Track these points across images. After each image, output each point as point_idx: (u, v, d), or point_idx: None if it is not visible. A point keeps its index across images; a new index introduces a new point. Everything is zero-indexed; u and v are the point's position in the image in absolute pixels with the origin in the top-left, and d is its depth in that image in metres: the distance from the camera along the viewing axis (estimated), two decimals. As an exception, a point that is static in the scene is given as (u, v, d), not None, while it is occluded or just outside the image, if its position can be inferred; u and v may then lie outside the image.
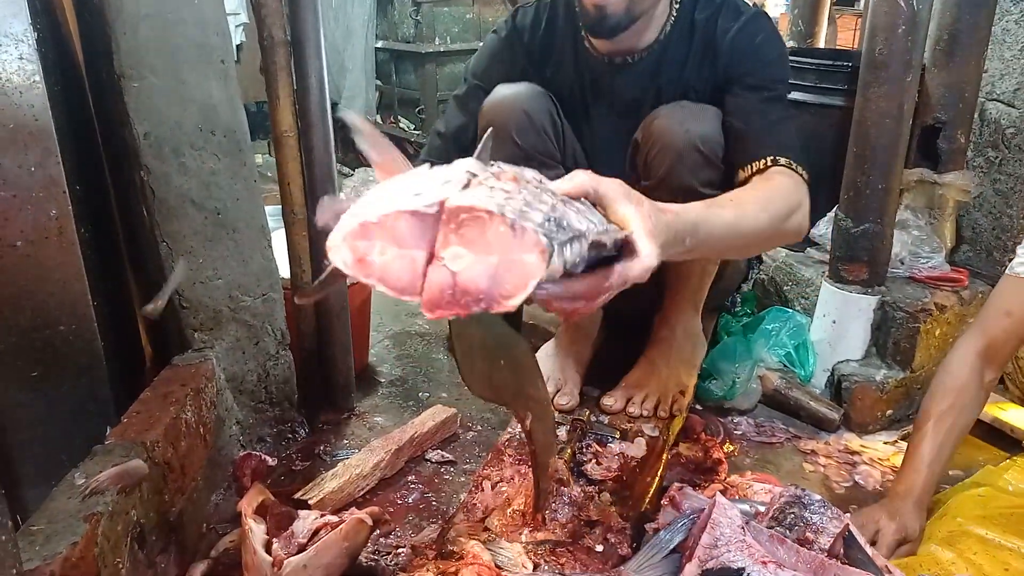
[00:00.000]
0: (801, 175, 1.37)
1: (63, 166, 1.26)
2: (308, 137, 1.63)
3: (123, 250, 1.60)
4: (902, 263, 1.93)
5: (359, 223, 0.67)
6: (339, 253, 0.69)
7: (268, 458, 1.60)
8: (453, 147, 1.63)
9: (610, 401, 1.67)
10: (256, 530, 1.22)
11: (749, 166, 1.39)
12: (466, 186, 0.70)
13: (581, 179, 0.82)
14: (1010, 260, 1.38)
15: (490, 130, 0.88)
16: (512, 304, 0.67)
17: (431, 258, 0.68)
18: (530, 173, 0.79)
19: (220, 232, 1.51)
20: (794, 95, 2.01)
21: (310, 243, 1.72)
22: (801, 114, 2.06)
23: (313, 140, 1.63)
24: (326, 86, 1.62)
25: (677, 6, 1.52)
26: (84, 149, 1.44)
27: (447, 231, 0.67)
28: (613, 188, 0.83)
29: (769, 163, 1.37)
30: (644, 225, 0.81)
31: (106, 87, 1.39)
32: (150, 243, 1.46)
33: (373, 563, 1.32)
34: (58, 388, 1.33)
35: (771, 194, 1.28)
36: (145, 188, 1.41)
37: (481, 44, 1.71)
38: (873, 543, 1.37)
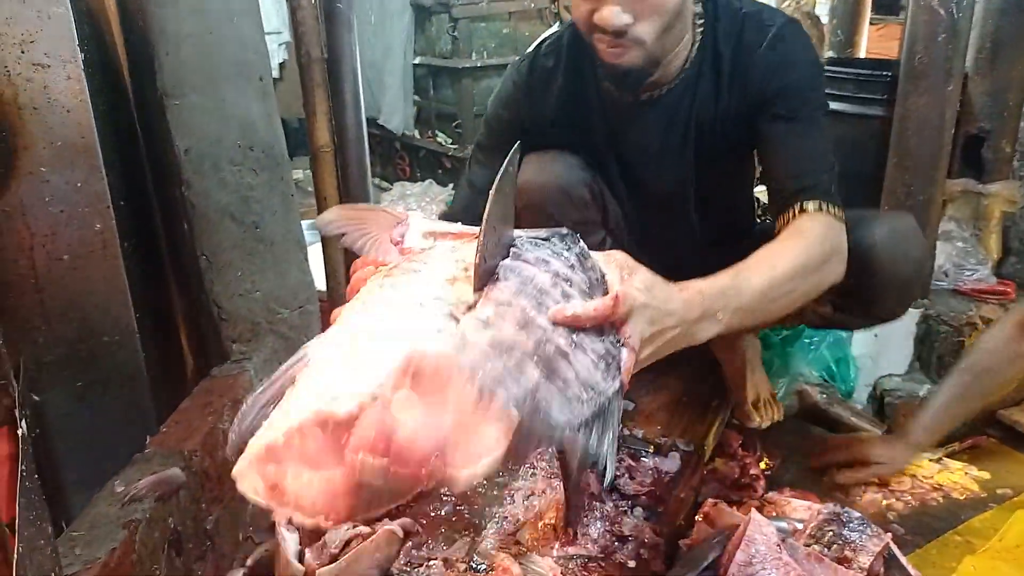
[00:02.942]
0: (833, 214, 1.28)
1: (108, 182, 1.30)
2: (344, 152, 1.67)
3: (167, 264, 1.64)
4: (946, 275, 1.89)
5: (264, 445, 0.59)
6: (247, 482, 0.60)
7: (304, 469, 1.62)
8: (482, 200, 1.59)
9: (757, 418, 1.69)
10: (289, 539, 1.23)
11: (780, 218, 1.32)
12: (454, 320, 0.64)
13: (602, 310, 0.79)
14: None
15: (513, 152, 0.84)
16: (459, 484, 0.60)
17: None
18: (548, 279, 0.76)
19: (258, 246, 1.54)
20: (833, 105, 1.98)
21: (345, 256, 1.74)
22: (840, 124, 2.03)
23: (349, 155, 1.66)
24: (361, 103, 1.65)
25: (700, 29, 1.39)
26: (129, 166, 1.48)
27: (400, 379, 0.59)
28: (625, 306, 0.82)
29: (797, 211, 1.29)
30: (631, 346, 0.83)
31: (150, 105, 1.44)
32: (190, 256, 1.49)
33: (404, 575, 1.32)
34: (102, 398, 1.37)
35: (799, 248, 1.21)
36: (185, 202, 1.45)
37: (502, 80, 1.59)
38: (861, 464, 1.56)
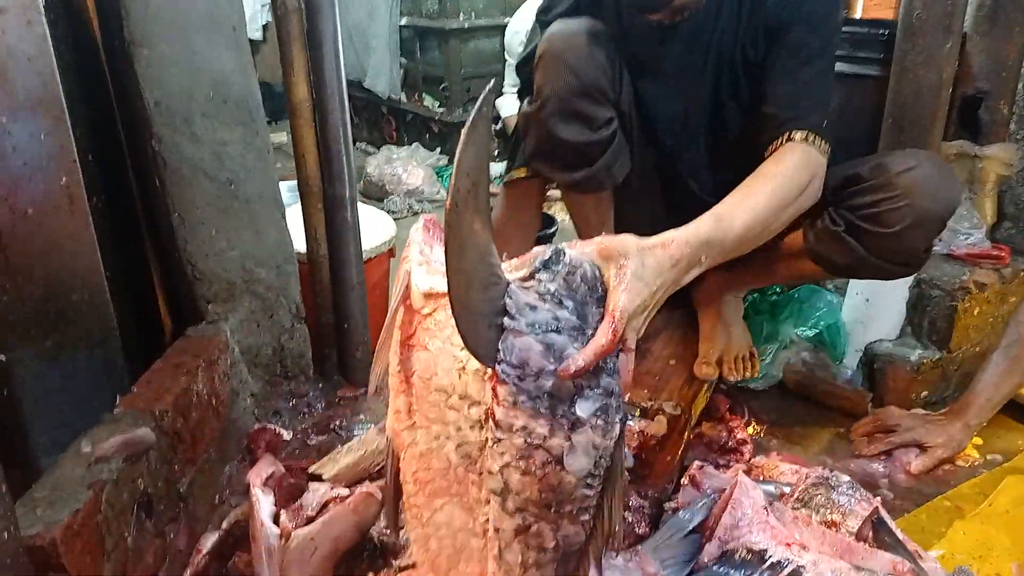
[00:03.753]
0: (819, 147, 1.30)
1: (75, 135, 1.25)
2: (323, 108, 1.60)
3: (141, 222, 1.59)
4: (940, 239, 1.85)
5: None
6: None
7: (283, 431, 1.59)
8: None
9: (708, 370, 1.67)
10: (264, 501, 1.20)
11: (769, 146, 1.33)
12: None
13: (605, 346, 0.82)
14: None
15: (486, 92, 0.82)
16: None
17: None
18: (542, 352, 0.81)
19: (233, 203, 1.49)
20: (828, 65, 1.93)
21: (326, 216, 1.69)
22: (835, 85, 1.98)
23: (328, 110, 1.60)
24: (341, 56, 1.59)
25: None
26: (99, 119, 1.42)
27: None
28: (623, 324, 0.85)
29: (784, 140, 1.31)
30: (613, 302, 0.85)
31: (117, 55, 1.37)
32: (163, 214, 1.44)
33: (384, 539, 1.30)
34: (72, 359, 1.32)
35: (779, 182, 1.24)
36: (157, 158, 1.39)
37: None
38: (916, 447, 1.58)
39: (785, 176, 1.26)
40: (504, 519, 0.87)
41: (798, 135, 1.30)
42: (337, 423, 1.71)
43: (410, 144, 3.94)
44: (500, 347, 0.80)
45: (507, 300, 0.81)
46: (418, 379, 0.90)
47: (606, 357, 0.83)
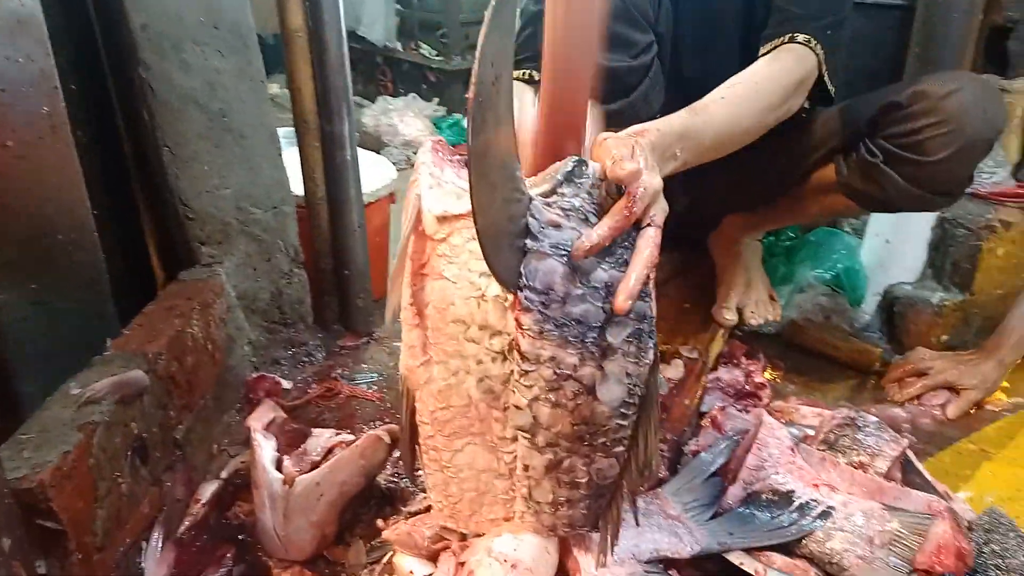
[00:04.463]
0: (814, 49, 1.24)
1: (57, 63, 1.16)
2: (321, 38, 1.51)
3: (129, 158, 1.50)
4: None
5: None
6: None
7: (282, 381, 1.53)
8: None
9: (730, 316, 1.63)
10: (265, 446, 1.14)
11: (766, 43, 1.27)
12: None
13: (622, 222, 0.76)
14: None
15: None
16: None
17: None
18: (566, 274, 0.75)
19: (226, 137, 1.41)
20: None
21: (323, 155, 1.61)
22: (856, 16, 1.88)
23: (326, 39, 1.50)
24: (339, -19, 1.49)
25: None
26: (82, 45, 1.33)
27: None
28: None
29: (785, 40, 1.24)
30: (616, 155, 0.76)
31: (100, -26, 1.28)
32: (152, 148, 1.36)
33: (392, 485, 1.24)
34: (60, 302, 1.25)
35: (767, 82, 1.18)
36: (145, 87, 1.30)
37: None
38: (949, 389, 1.55)
39: (774, 79, 1.20)
40: (533, 456, 0.82)
41: (801, 37, 1.24)
42: (339, 372, 1.65)
43: (407, 95, 3.82)
44: (523, 271, 0.74)
45: (529, 219, 0.74)
46: (433, 310, 0.84)
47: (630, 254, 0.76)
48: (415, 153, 3.49)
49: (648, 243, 0.74)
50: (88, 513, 0.95)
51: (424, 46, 3.98)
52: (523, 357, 0.76)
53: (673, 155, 0.95)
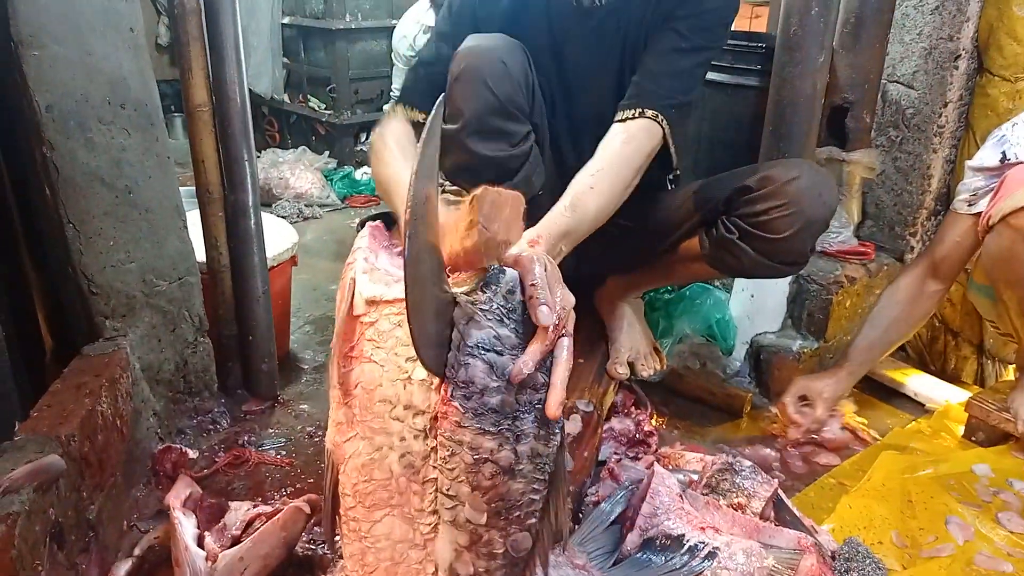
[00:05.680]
0: (661, 124, 1.40)
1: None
2: (224, 112, 1.55)
3: (19, 234, 1.48)
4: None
5: None
6: None
7: (189, 450, 1.53)
8: (431, 75, 1.51)
9: (623, 370, 1.76)
10: (186, 523, 1.16)
11: (622, 111, 1.41)
12: None
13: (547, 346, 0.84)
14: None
15: (438, 105, 0.83)
16: None
17: None
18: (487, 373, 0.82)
19: (132, 212, 1.42)
20: (712, 76, 2.06)
21: (227, 224, 1.64)
22: (719, 94, 2.11)
23: (230, 115, 1.55)
24: (243, 58, 1.55)
25: None
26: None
27: None
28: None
29: (636, 115, 1.40)
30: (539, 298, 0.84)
31: (3, 56, 1.28)
32: (54, 225, 1.35)
33: (310, 552, 1.28)
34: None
35: (626, 168, 1.36)
36: (48, 165, 1.31)
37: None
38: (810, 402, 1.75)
39: (630, 162, 1.37)
40: (455, 532, 0.89)
41: (649, 112, 1.39)
42: (245, 438, 1.66)
43: (295, 147, 3.84)
44: (447, 367, 0.82)
45: (454, 315, 0.83)
46: (361, 390, 0.90)
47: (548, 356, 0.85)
48: (307, 206, 3.51)
49: (563, 351, 0.84)
50: (8, 606, 0.94)
51: (313, 99, 4.01)
52: (446, 442, 0.84)
53: (559, 251, 1.11)
